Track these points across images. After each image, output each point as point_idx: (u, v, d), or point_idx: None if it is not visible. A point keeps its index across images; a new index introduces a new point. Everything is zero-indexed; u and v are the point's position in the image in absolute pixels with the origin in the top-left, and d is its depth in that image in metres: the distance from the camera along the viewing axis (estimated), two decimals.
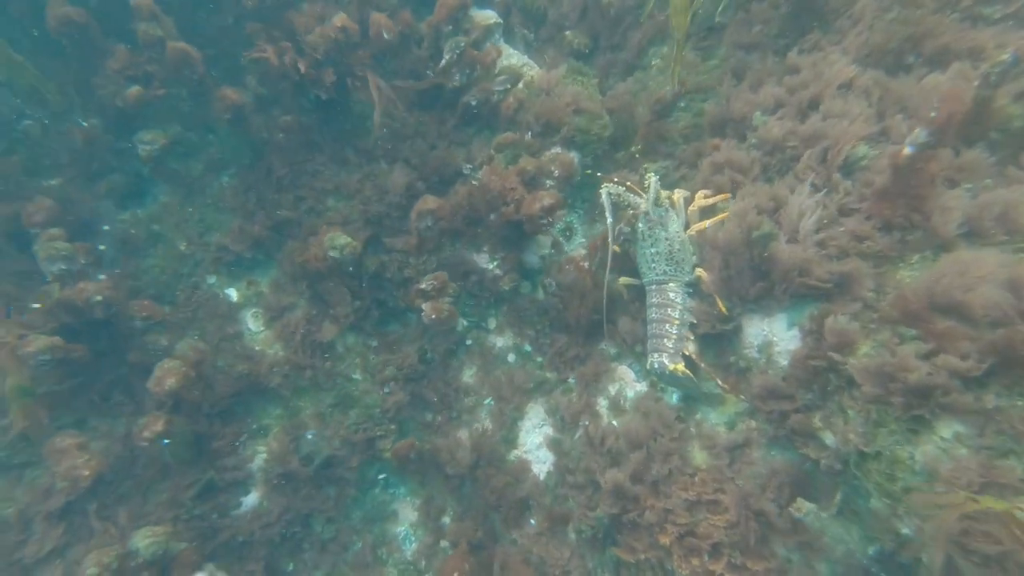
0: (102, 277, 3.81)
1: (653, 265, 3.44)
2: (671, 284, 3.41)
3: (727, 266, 2.77)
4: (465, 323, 5.03)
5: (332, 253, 3.69)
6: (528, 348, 4.77)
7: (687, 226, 3.41)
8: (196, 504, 4.03)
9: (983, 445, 1.93)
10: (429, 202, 3.81)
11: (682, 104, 4.05)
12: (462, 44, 4.10)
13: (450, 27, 4.21)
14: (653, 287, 3.48)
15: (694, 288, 3.44)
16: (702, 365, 3.24)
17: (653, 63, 4.79)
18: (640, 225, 3.45)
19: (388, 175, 4.38)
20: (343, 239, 3.80)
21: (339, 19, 3.86)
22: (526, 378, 4.58)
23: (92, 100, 4.27)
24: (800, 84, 3.02)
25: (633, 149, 4.20)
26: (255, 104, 4.71)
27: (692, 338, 3.26)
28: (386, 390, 4.82)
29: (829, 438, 2.49)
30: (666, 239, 3.37)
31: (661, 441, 3.20)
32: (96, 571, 2.94)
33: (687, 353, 3.23)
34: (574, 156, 4.18)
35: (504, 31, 5.25)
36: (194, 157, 4.96)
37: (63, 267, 3.56)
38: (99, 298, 3.40)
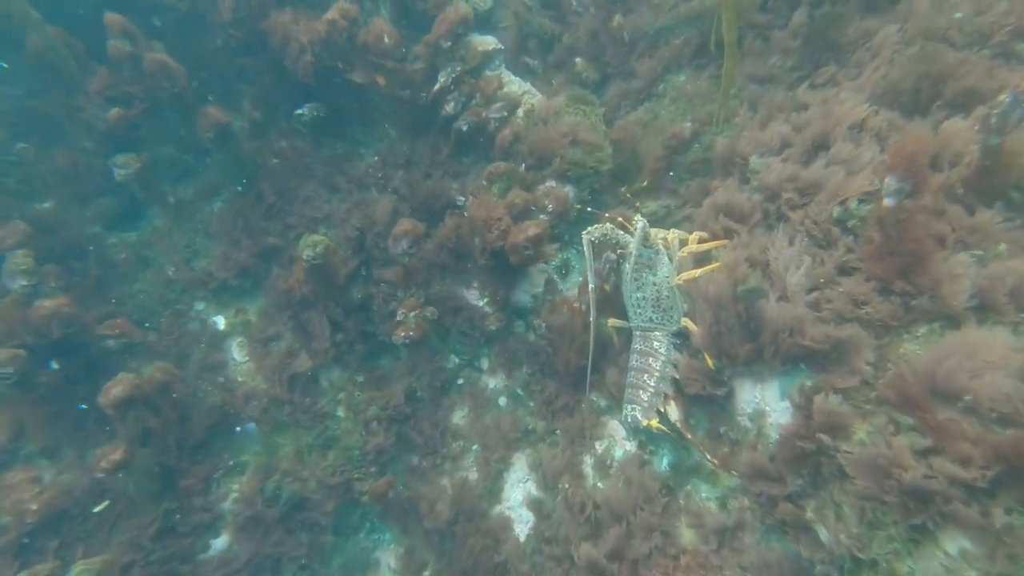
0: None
1: (639, 311, 3.33)
2: (656, 333, 3.29)
3: (717, 321, 2.58)
4: (457, 361, 4.92)
5: (307, 253, 3.65)
6: (520, 392, 4.61)
7: (679, 271, 3.23)
8: (156, 546, 3.97)
9: (993, 573, 1.66)
10: (405, 224, 3.75)
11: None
12: (458, 69, 4.06)
13: (449, 43, 4.15)
14: (638, 333, 3.38)
15: (682, 340, 3.28)
16: (689, 435, 3.02)
17: (667, 94, 4.64)
18: (626, 266, 3.32)
19: (376, 204, 4.34)
20: (317, 237, 3.76)
21: (332, 11, 3.79)
22: (513, 426, 4.42)
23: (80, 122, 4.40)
24: (806, 122, 2.83)
25: (638, 186, 4.05)
26: (251, 129, 4.79)
27: (672, 396, 3.14)
28: (367, 431, 4.70)
29: (823, 533, 2.23)
30: (653, 284, 3.24)
31: (643, 515, 2.98)
32: None
33: (662, 409, 3.12)
34: (569, 190, 4.06)
35: (509, 57, 5.22)
36: (187, 180, 5.06)
37: (23, 283, 3.60)
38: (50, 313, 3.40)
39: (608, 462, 3.63)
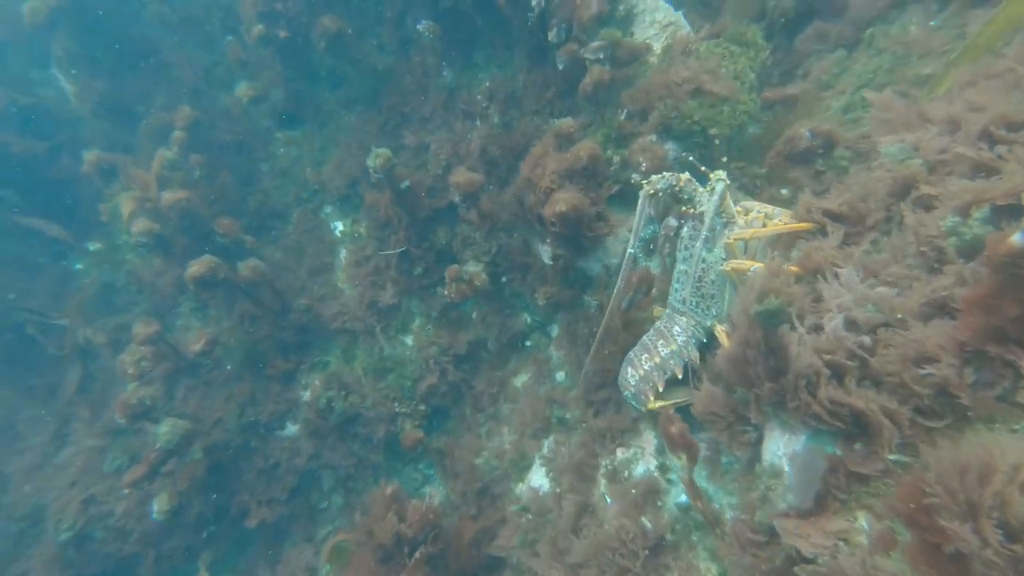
0: None
1: (677, 287, 3.00)
2: (683, 319, 2.97)
3: (745, 341, 2.01)
4: (529, 320, 4.86)
5: (370, 162, 3.92)
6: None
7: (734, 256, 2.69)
8: (238, 416, 4.85)
9: None
10: (458, 176, 3.70)
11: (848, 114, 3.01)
12: None
13: None
14: (668, 311, 3.08)
15: (710, 343, 2.87)
16: (688, 477, 2.49)
17: (875, 41, 3.64)
18: (685, 229, 2.94)
19: (466, 140, 4.36)
20: (381, 150, 3.99)
21: None
22: (558, 406, 4.22)
23: None
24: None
25: (756, 169, 3.33)
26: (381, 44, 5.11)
27: (661, 387, 2.99)
28: (426, 368, 4.96)
29: None
30: (703, 261, 2.83)
31: (620, 562, 2.63)
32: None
33: (651, 399, 3.04)
34: (669, 148, 3.52)
35: None
36: (339, 89, 5.60)
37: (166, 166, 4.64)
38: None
39: (624, 474, 3.26)
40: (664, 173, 2.92)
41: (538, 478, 4.06)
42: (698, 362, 2.94)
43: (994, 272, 1.39)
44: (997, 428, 1.46)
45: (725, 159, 3.18)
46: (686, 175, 2.91)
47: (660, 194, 2.90)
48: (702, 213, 2.83)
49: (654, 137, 3.54)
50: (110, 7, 5.27)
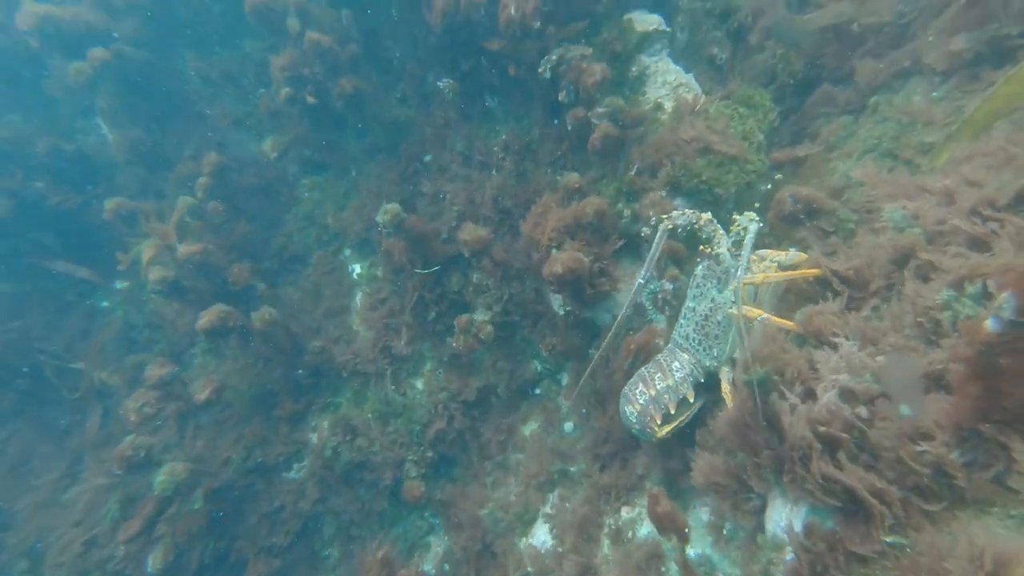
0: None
1: (683, 322, 3.04)
2: (685, 356, 2.99)
3: (745, 407, 2.00)
4: (539, 368, 4.89)
5: (379, 218, 4.05)
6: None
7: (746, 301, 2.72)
8: (244, 458, 4.91)
9: None
10: (465, 232, 3.81)
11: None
12: (555, 56, 3.89)
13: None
14: (671, 345, 3.11)
15: (708, 382, 2.92)
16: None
17: (880, 109, 3.72)
18: (699, 268, 3.01)
19: (481, 189, 4.51)
20: (391, 206, 4.11)
21: None
22: (565, 458, 4.20)
23: None
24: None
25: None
26: (403, 97, 5.38)
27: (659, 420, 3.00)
28: (435, 413, 4.99)
29: None
30: (711, 301, 2.88)
31: None
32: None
33: (654, 429, 3.02)
34: (677, 203, 3.60)
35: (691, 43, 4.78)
36: (363, 138, 5.86)
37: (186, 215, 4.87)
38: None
39: (628, 535, 3.20)
40: (685, 210, 3.00)
41: (542, 534, 4.00)
42: (691, 400, 2.97)
43: (974, 358, 1.39)
44: (995, 512, 1.43)
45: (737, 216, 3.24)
46: (707, 215, 2.97)
47: (679, 229, 2.98)
48: (719, 254, 2.90)
49: (663, 193, 3.63)
50: (153, 64, 5.65)
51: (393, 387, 5.24)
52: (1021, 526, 1.40)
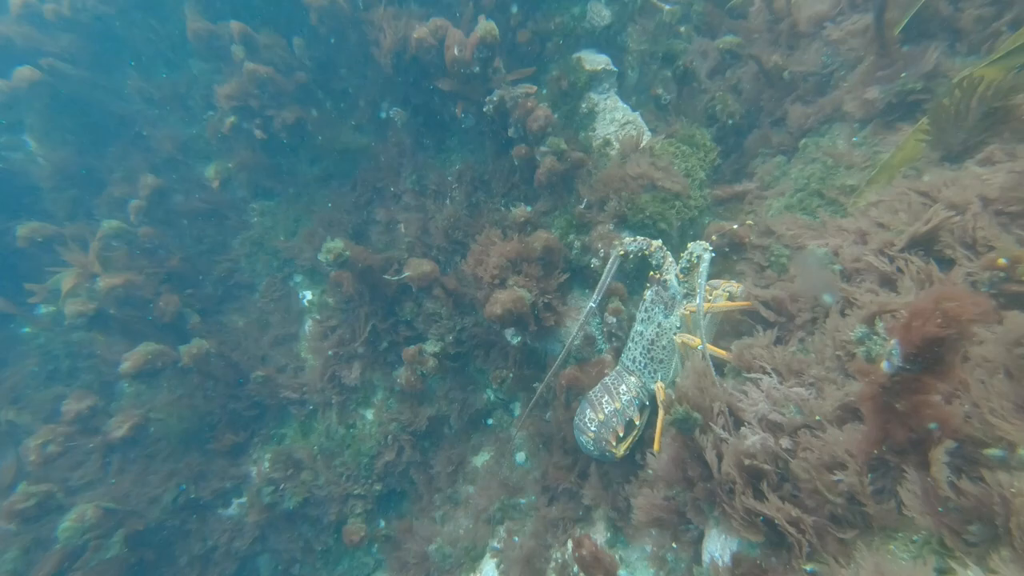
0: None
1: (631, 345, 3.16)
2: (632, 379, 3.10)
3: (672, 443, 2.07)
4: (492, 398, 4.88)
5: (321, 257, 4.00)
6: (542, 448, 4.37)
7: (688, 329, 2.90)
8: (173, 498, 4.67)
9: None
10: (411, 267, 3.85)
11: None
12: (496, 96, 4.03)
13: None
14: (619, 368, 3.22)
15: (652, 402, 3.05)
16: None
17: (809, 150, 3.97)
18: (648, 293, 3.14)
19: (433, 220, 4.55)
20: (333, 244, 4.06)
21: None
22: (515, 491, 4.18)
23: None
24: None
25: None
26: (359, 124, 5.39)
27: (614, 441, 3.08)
28: (384, 444, 4.90)
29: None
30: (658, 326, 3.01)
31: None
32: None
33: (614, 443, 3.09)
34: (625, 236, 3.72)
35: (640, 84, 5.01)
36: (319, 163, 5.80)
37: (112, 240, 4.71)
38: None
39: (574, 569, 3.19)
40: (637, 237, 3.17)
41: (489, 570, 3.96)
42: (637, 423, 3.07)
43: (873, 396, 1.49)
44: (900, 537, 1.53)
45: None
46: (658, 242, 3.15)
47: (630, 256, 3.15)
48: (667, 280, 3.06)
49: (611, 226, 3.75)
50: (90, 81, 5.48)
51: (341, 418, 5.13)
52: (923, 547, 1.50)
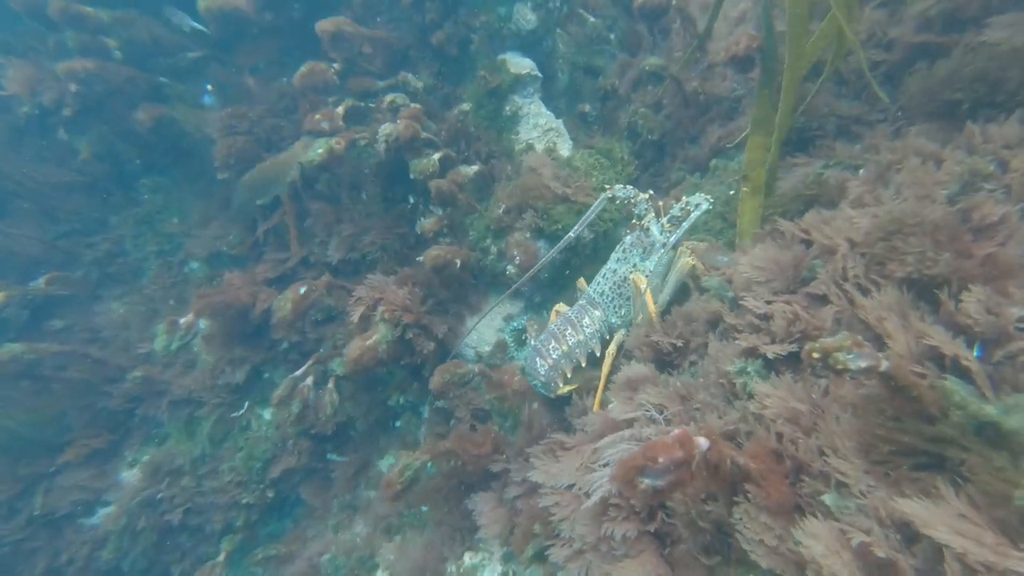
0: None
1: (601, 280, 3.25)
2: (597, 313, 3.19)
3: None
4: (402, 400, 4.80)
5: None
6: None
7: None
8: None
9: None
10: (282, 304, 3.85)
11: None
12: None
13: None
14: (582, 302, 3.29)
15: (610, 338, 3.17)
16: None
17: (718, 169, 4.16)
18: (628, 238, 3.23)
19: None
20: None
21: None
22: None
23: None
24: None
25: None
26: None
27: (569, 374, 3.20)
28: (282, 448, 4.71)
29: None
30: (632, 267, 3.11)
31: None
32: None
33: (562, 384, 3.21)
34: (540, 246, 3.79)
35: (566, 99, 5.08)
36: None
37: None
38: None
39: None
40: (627, 186, 3.23)
41: None
42: (598, 354, 3.17)
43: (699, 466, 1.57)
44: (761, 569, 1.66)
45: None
46: (647, 194, 3.23)
47: (617, 200, 3.20)
48: (649, 228, 3.17)
49: (528, 234, 3.80)
50: None
51: (236, 417, 4.90)
52: None
